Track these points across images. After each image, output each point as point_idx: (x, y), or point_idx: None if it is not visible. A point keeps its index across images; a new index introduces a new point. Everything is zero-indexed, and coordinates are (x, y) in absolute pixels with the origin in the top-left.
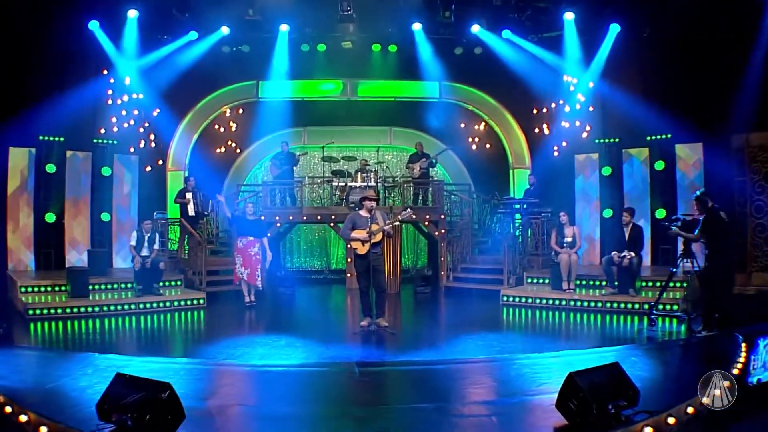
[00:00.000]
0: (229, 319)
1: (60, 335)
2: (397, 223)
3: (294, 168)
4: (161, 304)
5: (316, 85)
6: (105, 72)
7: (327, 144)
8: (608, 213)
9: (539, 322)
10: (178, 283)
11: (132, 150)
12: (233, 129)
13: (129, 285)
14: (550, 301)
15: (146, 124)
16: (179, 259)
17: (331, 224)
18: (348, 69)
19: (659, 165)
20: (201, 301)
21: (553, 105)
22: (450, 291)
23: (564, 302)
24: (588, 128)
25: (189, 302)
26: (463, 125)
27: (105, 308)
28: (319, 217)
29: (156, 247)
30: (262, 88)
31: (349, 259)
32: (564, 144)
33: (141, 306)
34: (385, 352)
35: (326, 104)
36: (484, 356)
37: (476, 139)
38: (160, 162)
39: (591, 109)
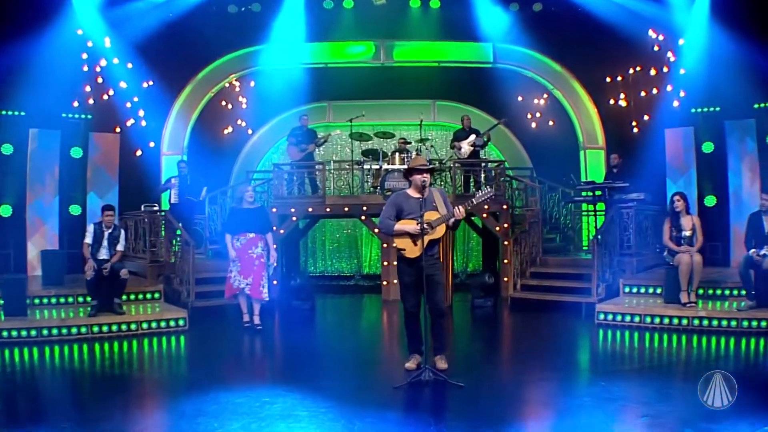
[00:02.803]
0: (214, 352)
1: None
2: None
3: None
4: (122, 327)
5: (343, 48)
6: (80, 33)
7: (354, 121)
8: (711, 201)
9: (667, 356)
10: (156, 296)
11: (117, 129)
12: (244, 105)
13: (89, 299)
14: (665, 320)
15: (135, 99)
16: (165, 263)
17: (363, 217)
18: (381, 29)
19: None
20: (181, 323)
21: (631, 71)
22: (519, 304)
23: (685, 321)
24: (682, 94)
25: (162, 324)
26: (520, 98)
27: (45, 332)
28: (346, 209)
29: (120, 248)
30: (277, 54)
31: (386, 263)
32: (646, 118)
33: (94, 330)
34: None
35: (355, 72)
36: None
37: (537, 114)
38: (153, 144)
39: (682, 71)
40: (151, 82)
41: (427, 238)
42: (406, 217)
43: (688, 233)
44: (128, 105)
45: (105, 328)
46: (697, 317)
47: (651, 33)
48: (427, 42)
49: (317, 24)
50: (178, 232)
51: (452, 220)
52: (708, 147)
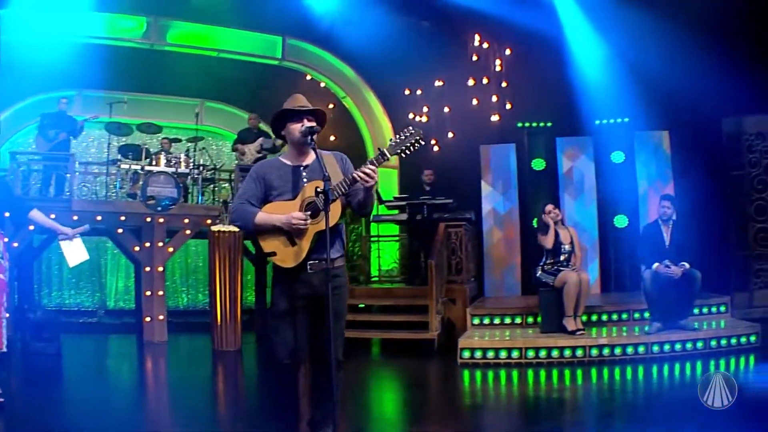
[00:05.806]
0: None
1: None
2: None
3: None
4: None
5: (108, 21)
6: None
7: (114, 111)
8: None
9: (596, 393)
10: None
11: None
12: None
13: None
14: (555, 352)
15: None
16: None
17: (119, 230)
18: (158, 3)
19: (617, 157)
20: None
21: (437, 83)
22: None
23: (581, 352)
24: (509, 106)
25: None
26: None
27: None
28: (99, 218)
29: None
30: (12, 21)
31: (148, 292)
32: (450, 135)
33: None
34: None
35: (118, 53)
36: None
37: None
38: None
39: (504, 84)
40: None
41: (312, 231)
42: (276, 199)
43: (568, 246)
44: None
45: None
46: (597, 346)
47: (476, 39)
48: (209, 26)
49: None
50: None
51: (371, 190)
52: (539, 164)
